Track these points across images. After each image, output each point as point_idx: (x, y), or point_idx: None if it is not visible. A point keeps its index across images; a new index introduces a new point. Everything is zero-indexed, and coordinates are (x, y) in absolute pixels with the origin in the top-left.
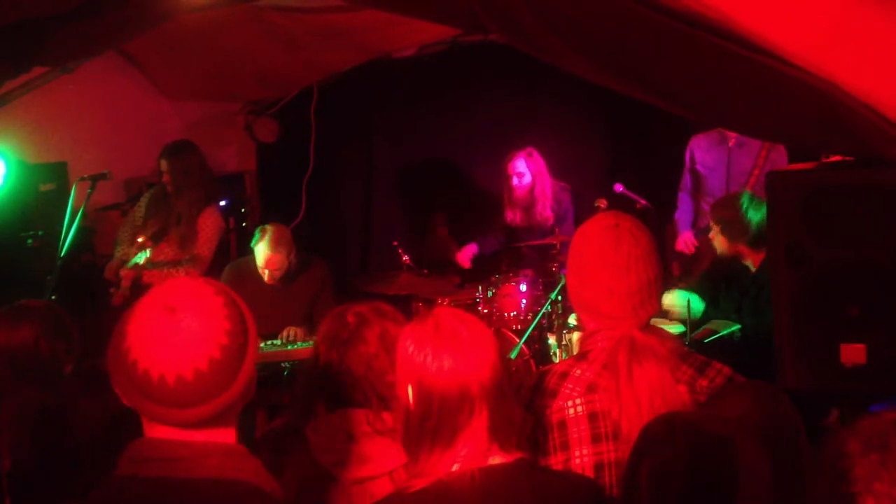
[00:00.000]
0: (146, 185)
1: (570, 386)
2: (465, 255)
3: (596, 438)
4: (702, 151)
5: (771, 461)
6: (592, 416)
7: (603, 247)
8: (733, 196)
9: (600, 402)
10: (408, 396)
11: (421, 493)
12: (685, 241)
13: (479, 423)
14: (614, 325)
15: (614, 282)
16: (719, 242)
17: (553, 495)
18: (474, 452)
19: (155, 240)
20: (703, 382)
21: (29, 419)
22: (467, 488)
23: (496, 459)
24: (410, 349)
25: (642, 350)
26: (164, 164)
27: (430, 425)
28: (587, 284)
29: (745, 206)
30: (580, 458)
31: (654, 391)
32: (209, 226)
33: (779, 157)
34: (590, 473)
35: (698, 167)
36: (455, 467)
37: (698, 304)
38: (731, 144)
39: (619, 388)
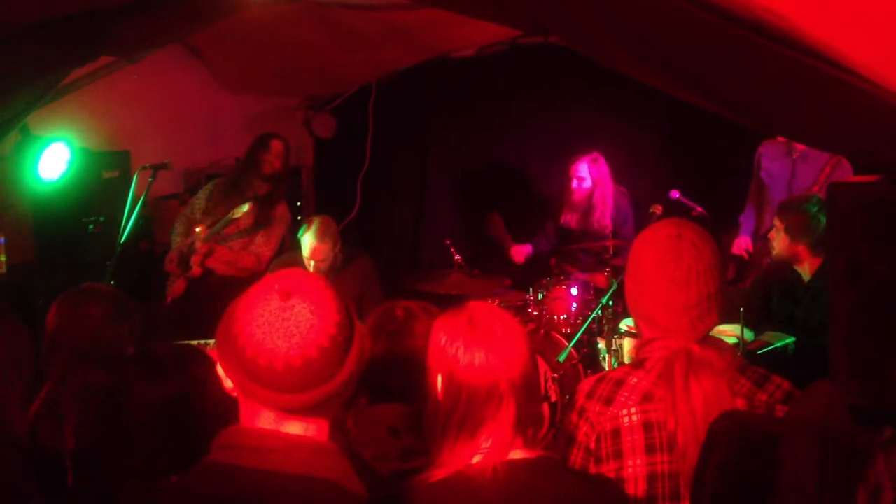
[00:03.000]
0: (205, 177)
1: (626, 394)
2: (521, 252)
3: (650, 449)
4: (768, 160)
5: (820, 460)
6: (647, 426)
7: (663, 258)
8: (804, 196)
9: (656, 413)
10: (437, 387)
11: (440, 483)
12: (741, 245)
13: (504, 418)
14: (671, 335)
15: (672, 296)
16: (780, 241)
17: (574, 495)
18: (497, 446)
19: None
20: (763, 396)
21: (92, 401)
22: (487, 481)
23: (518, 454)
24: (443, 341)
25: (699, 364)
26: (277, 146)
27: (456, 417)
28: (644, 294)
29: (815, 207)
30: (633, 468)
31: (711, 405)
32: (282, 215)
33: (843, 176)
34: (642, 484)
35: (763, 175)
36: (476, 459)
37: (749, 334)
38: (795, 156)
39: (676, 400)
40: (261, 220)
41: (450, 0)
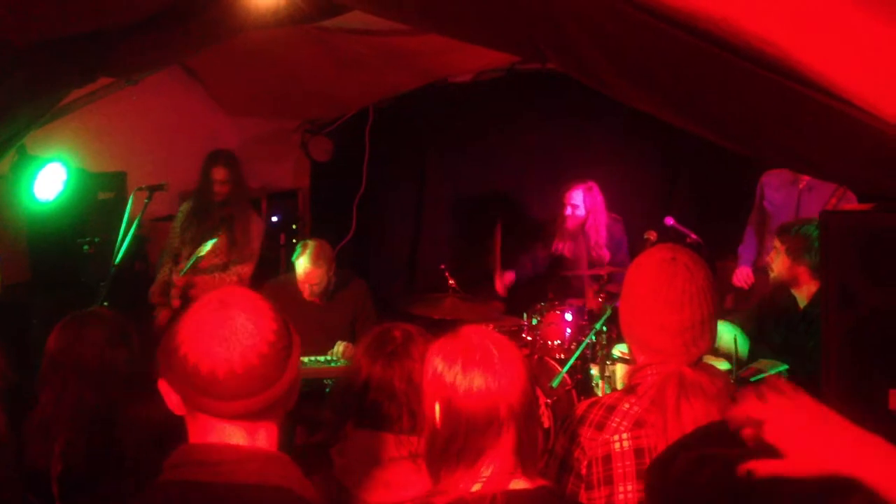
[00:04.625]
0: None
1: (618, 420)
2: (503, 284)
3: (641, 475)
4: (772, 190)
5: None
6: (639, 452)
7: (657, 281)
8: (804, 219)
9: (647, 438)
10: (435, 415)
11: None
12: (742, 276)
13: (505, 445)
14: (664, 359)
15: (666, 317)
16: (780, 263)
17: None
18: (498, 474)
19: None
20: None
21: (84, 424)
22: None
23: (518, 484)
24: (440, 367)
25: (691, 387)
26: (221, 173)
27: (456, 445)
28: (638, 318)
29: (816, 230)
30: (624, 494)
31: None
32: (255, 226)
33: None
34: None
35: (766, 204)
36: (476, 487)
37: (743, 342)
38: (801, 187)
39: (667, 424)
40: (234, 239)
41: (449, 26)
